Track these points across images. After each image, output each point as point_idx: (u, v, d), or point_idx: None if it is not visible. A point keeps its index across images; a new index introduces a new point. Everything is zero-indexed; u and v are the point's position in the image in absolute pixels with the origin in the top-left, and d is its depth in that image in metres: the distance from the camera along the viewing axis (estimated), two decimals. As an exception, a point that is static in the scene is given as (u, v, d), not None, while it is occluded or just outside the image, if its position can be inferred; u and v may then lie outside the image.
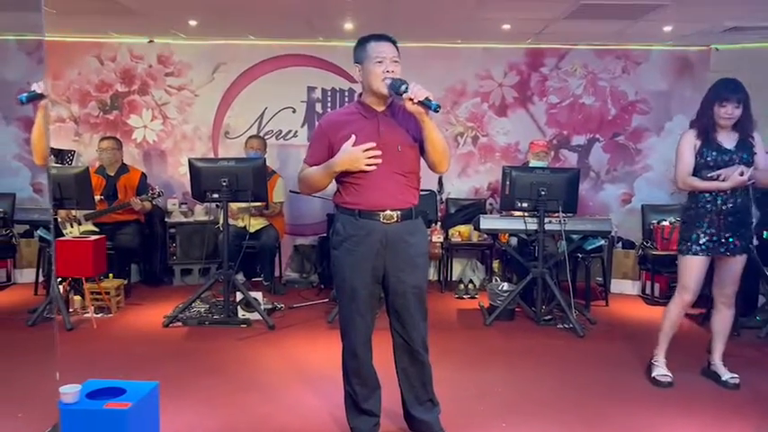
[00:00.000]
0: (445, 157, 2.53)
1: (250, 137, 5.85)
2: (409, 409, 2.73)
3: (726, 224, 3.35)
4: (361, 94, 2.60)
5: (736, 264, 3.43)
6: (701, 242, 3.38)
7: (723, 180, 3.30)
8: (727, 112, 3.31)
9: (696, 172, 3.39)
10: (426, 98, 2.34)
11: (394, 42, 2.54)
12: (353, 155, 2.44)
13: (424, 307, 2.63)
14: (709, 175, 3.34)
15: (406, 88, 2.36)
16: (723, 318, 3.56)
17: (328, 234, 5.97)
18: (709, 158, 3.34)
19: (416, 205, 2.59)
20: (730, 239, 3.36)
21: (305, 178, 2.63)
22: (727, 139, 3.37)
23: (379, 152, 2.45)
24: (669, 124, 6.23)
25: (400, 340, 2.65)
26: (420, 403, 2.71)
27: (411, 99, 2.35)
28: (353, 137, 2.45)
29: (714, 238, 3.37)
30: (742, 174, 3.26)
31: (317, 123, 2.79)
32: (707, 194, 3.37)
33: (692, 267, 3.41)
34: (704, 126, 3.38)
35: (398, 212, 2.52)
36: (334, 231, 2.63)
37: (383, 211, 2.51)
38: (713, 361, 3.61)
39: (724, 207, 3.34)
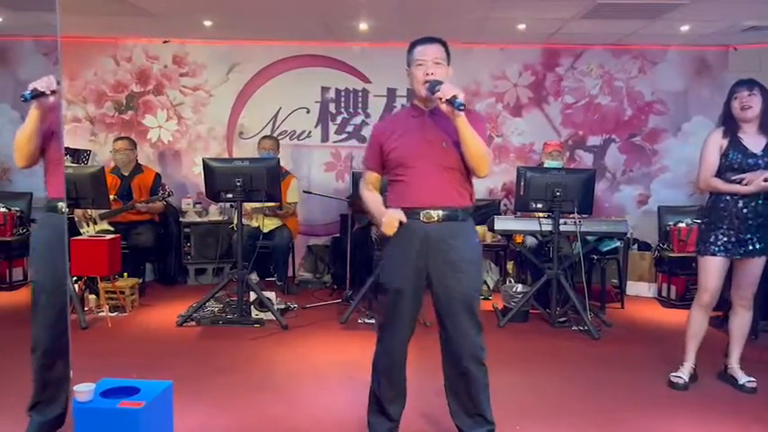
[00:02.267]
0: (482, 160, 2.42)
1: (263, 137, 5.86)
2: (455, 419, 2.62)
3: (746, 226, 3.31)
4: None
5: (755, 266, 3.38)
6: (719, 243, 3.35)
7: (746, 184, 3.26)
8: (743, 100, 3.29)
9: (720, 173, 3.35)
10: (453, 96, 2.31)
11: (442, 43, 2.52)
12: (389, 221, 2.46)
13: (475, 318, 2.49)
14: (732, 177, 3.30)
15: (439, 88, 2.36)
16: (741, 320, 3.51)
17: (341, 234, 6.03)
18: (734, 160, 3.31)
19: (465, 207, 2.50)
20: (749, 241, 3.32)
21: (362, 196, 2.70)
22: (755, 143, 3.32)
23: (404, 219, 2.45)
24: (687, 125, 6.16)
25: (445, 348, 2.56)
26: (468, 415, 2.59)
27: (440, 98, 2.34)
28: (398, 217, 2.45)
29: (733, 240, 3.33)
30: (766, 180, 3.21)
31: (372, 129, 2.78)
32: (727, 196, 3.33)
33: (711, 268, 3.37)
34: (729, 124, 3.36)
35: (440, 212, 2.45)
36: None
37: (423, 209, 2.46)
38: (730, 365, 3.56)
39: (745, 209, 3.31)
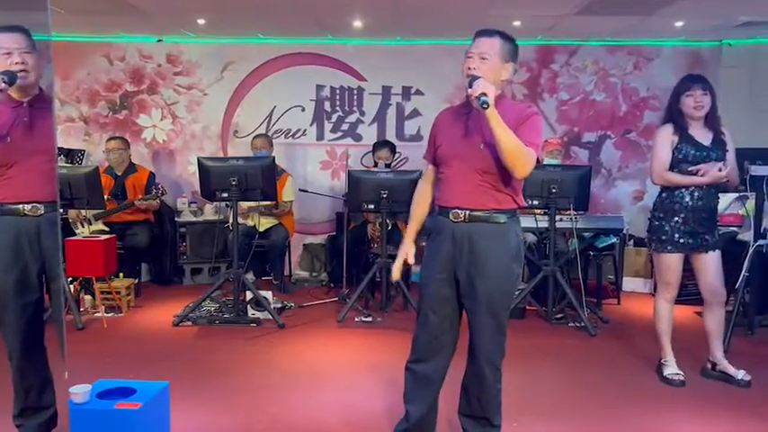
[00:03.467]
0: (518, 158, 2.27)
1: (255, 136, 5.83)
2: (460, 417, 2.62)
3: (698, 219, 3.39)
4: None
5: (711, 259, 3.44)
6: (673, 238, 3.41)
7: (702, 175, 3.32)
8: (696, 99, 3.35)
9: (672, 167, 3.42)
10: (481, 93, 2.23)
11: (502, 36, 2.41)
12: (396, 265, 2.62)
13: (496, 321, 2.43)
14: (689, 169, 3.37)
15: (471, 85, 2.29)
16: (715, 316, 3.52)
17: (337, 232, 6.02)
18: (687, 154, 3.37)
19: (499, 210, 2.41)
20: (701, 235, 3.40)
21: (415, 193, 2.73)
22: (703, 136, 3.40)
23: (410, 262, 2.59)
24: (681, 121, 6.16)
25: (470, 347, 2.52)
26: (473, 417, 2.58)
27: (470, 95, 2.29)
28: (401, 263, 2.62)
29: (687, 234, 3.39)
30: (720, 170, 3.29)
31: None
32: (682, 189, 3.39)
33: (669, 264, 3.47)
34: (678, 121, 3.41)
35: (467, 212, 2.41)
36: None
37: (453, 208, 2.45)
38: (717, 360, 3.57)
39: (699, 202, 3.38)
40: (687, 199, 3.39)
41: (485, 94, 2.22)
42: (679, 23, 5.36)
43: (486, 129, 2.31)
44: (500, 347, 2.48)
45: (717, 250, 3.45)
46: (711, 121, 3.41)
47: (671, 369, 3.54)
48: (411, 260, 2.60)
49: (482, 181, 2.40)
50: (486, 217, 2.41)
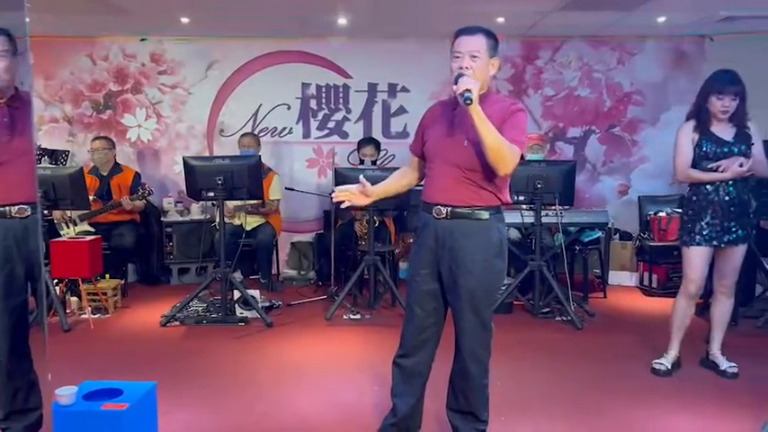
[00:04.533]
0: (500, 155, 2.28)
1: (242, 135, 5.82)
2: (448, 413, 2.63)
3: (728, 214, 3.36)
4: None
5: (737, 254, 3.43)
6: (704, 233, 3.39)
7: (722, 171, 3.30)
8: (725, 105, 3.31)
9: (695, 164, 3.39)
10: (465, 90, 2.24)
11: (485, 33, 2.42)
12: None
13: (479, 317, 2.44)
14: (708, 166, 3.34)
15: (457, 82, 2.30)
16: (722, 308, 3.56)
17: (325, 230, 6.01)
18: (708, 150, 3.35)
19: (482, 206, 2.42)
20: (732, 229, 3.37)
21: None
22: (725, 131, 3.37)
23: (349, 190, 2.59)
24: (665, 115, 6.22)
25: (455, 340, 2.55)
26: (460, 412, 2.58)
27: (455, 92, 2.30)
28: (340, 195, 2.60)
29: (717, 228, 3.37)
30: (741, 165, 3.27)
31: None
32: (709, 185, 3.37)
33: (696, 258, 3.42)
34: (701, 118, 3.38)
35: (449, 209, 2.42)
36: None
37: (435, 205, 2.46)
38: (712, 351, 3.61)
39: (726, 197, 3.35)
40: (715, 194, 3.36)
41: (469, 91, 2.23)
42: (661, 19, 5.40)
43: (470, 125, 2.32)
44: (484, 343, 2.49)
45: (744, 244, 3.43)
46: (737, 118, 3.36)
47: (660, 359, 3.59)
48: (350, 196, 2.61)
49: (465, 178, 2.41)
50: (468, 213, 2.42)
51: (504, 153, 2.30)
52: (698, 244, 3.40)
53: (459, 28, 2.46)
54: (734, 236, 3.38)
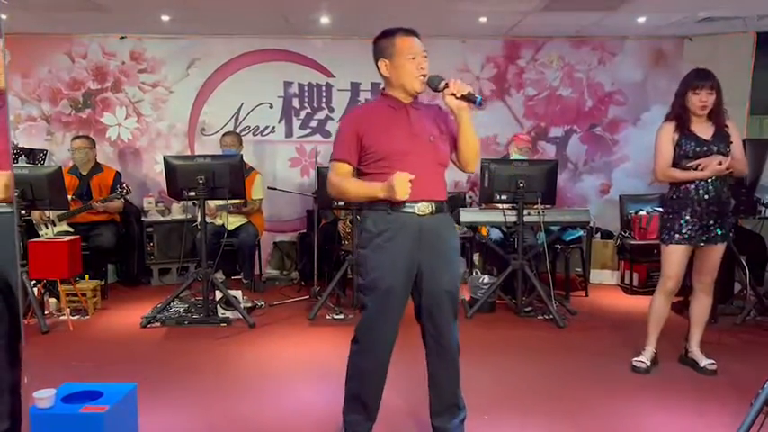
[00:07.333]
0: (478, 155, 2.50)
1: (224, 134, 5.77)
2: (434, 421, 2.59)
3: (708, 212, 3.39)
4: (384, 88, 2.53)
5: (717, 252, 3.47)
6: (683, 231, 3.42)
7: (701, 170, 3.34)
8: (702, 99, 3.35)
9: (675, 163, 3.43)
10: (469, 93, 2.31)
11: (419, 36, 2.47)
12: (402, 181, 2.29)
13: (455, 307, 2.51)
14: (687, 165, 3.38)
15: (446, 84, 2.35)
16: (701, 305, 3.60)
17: (308, 230, 5.99)
18: (687, 149, 3.38)
19: (446, 201, 2.50)
20: (712, 227, 3.40)
21: (341, 188, 2.47)
22: (704, 130, 3.40)
23: (412, 176, 2.31)
24: (646, 114, 6.28)
25: (433, 344, 2.51)
26: (446, 410, 2.57)
27: (453, 94, 2.33)
28: (408, 176, 2.30)
29: (696, 227, 3.40)
30: (720, 163, 3.30)
31: (344, 121, 2.67)
32: (689, 184, 3.40)
33: (675, 256, 3.45)
34: (680, 117, 3.41)
35: (433, 205, 2.42)
36: (363, 229, 2.46)
37: (417, 202, 2.38)
38: (690, 348, 3.65)
39: (706, 196, 3.38)
40: (695, 193, 3.39)
41: (472, 93, 2.33)
42: (641, 19, 5.45)
43: (431, 123, 2.44)
44: (458, 330, 2.58)
45: (724, 243, 3.46)
46: (715, 116, 3.40)
47: (639, 357, 3.62)
48: (412, 176, 2.34)
49: (437, 172, 2.48)
50: (444, 207, 2.49)
51: (480, 152, 2.52)
52: (677, 242, 3.43)
53: (395, 28, 2.48)
54: (713, 234, 3.41)
